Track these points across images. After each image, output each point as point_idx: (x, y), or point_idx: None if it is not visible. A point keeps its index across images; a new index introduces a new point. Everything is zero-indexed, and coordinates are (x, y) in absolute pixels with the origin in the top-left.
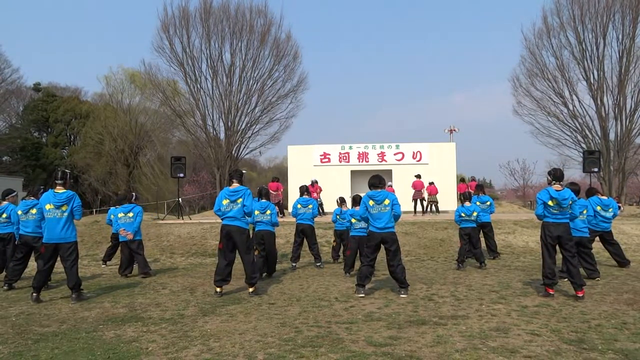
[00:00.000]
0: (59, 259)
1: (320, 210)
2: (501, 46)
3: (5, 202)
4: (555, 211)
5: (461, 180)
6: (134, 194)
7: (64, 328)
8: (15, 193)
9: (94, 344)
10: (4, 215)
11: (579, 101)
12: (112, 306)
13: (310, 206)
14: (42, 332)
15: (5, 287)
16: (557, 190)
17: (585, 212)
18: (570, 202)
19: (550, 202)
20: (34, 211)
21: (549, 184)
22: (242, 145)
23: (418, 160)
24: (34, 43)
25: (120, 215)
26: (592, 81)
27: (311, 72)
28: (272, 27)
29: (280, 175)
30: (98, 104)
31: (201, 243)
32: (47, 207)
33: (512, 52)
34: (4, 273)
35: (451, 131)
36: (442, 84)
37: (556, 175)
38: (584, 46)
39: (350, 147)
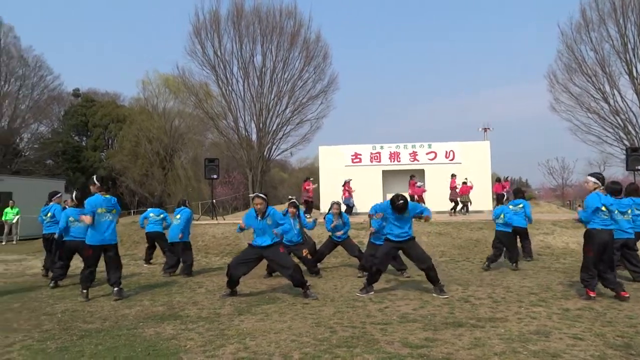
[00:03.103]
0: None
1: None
2: (536, 42)
3: (51, 203)
4: (605, 217)
5: (497, 180)
6: (185, 199)
7: (106, 325)
8: (60, 194)
9: (134, 341)
10: (49, 214)
11: (621, 96)
12: (152, 304)
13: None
14: (86, 328)
15: (51, 285)
16: (605, 195)
17: (629, 212)
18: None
19: (603, 208)
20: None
21: (594, 189)
22: (274, 146)
23: (451, 160)
24: (73, 50)
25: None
26: (635, 75)
27: (341, 71)
28: (301, 29)
29: (311, 175)
30: (134, 108)
31: (235, 243)
32: (100, 210)
33: (547, 47)
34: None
35: (485, 130)
36: (476, 81)
37: (600, 178)
38: (625, 39)
39: (382, 147)
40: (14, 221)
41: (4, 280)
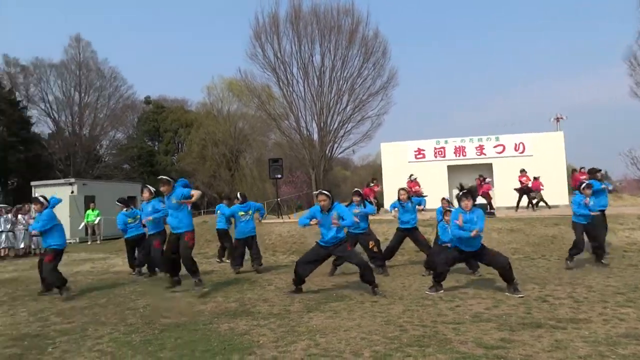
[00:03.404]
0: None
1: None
2: (615, 22)
3: (131, 208)
4: None
5: (573, 170)
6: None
7: (184, 320)
8: (136, 197)
9: (210, 335)
10: (138, 217)
11: None
12: (225, 300)
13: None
14: (166, 323)
15: (146, 276)
16: None
17: None
18: None
19: None
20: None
21: None
22: (335, 145)
23: (521, 153)
24: (144, 59)
25: (241, 213)
26: None
27: (401, 66)
28: (359, 25)
29: (374, 173)
30: (201, 112)
31: (301, 241)
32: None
33: (627, 28)
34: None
35: (557, 119)
36: (546, 68)
37: None
38: None
39: (446, 142)
40: (96, 222)
41: (91, 277)
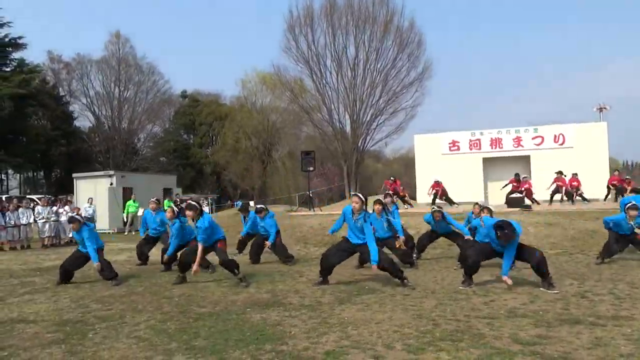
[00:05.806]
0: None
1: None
2: None
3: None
4: None
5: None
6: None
7: (217, 309)
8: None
9: (243, 325)
10: None
11: None
12: (257, 291)
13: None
14: (200, 312)
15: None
16: None
17: None
18: None
19: None
20: None
21: None
22: (368, 137)
23: (561, 144)
24: (180, 55)
25: None
26: None
27: (438, 56)
28: (394, 16)
29: (407, 165)
30: (235, 105)
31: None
32: None
33: None
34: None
35: (601, 109)
36: (588, 56)
37: None
38: None
39: (482, 133)
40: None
41: (129, 266)
